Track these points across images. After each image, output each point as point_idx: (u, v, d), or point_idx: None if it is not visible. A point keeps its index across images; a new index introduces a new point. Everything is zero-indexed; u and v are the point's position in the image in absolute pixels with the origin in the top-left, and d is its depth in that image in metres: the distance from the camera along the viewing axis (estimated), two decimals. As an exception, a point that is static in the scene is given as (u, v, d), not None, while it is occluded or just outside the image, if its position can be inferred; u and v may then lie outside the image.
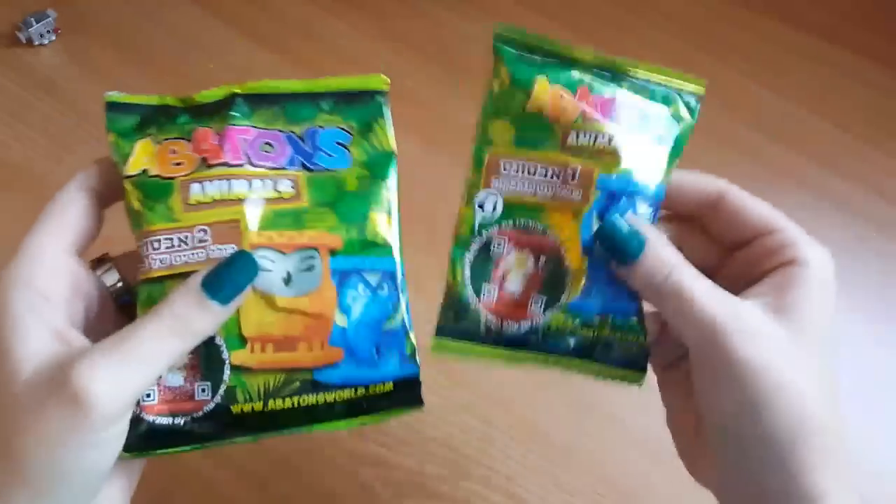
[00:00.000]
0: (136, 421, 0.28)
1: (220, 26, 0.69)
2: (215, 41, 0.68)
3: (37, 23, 0.65)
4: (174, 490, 0.44)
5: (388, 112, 0.32)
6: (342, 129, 0.31)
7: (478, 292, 0.31)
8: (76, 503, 0.26)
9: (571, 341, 0.32)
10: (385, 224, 0.30)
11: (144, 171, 0.29)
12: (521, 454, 0.48)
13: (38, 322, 0.26)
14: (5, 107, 0.62)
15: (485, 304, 0.31)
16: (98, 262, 0.31)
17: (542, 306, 0.31)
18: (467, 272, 0.31)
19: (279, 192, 0.30)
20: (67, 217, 0.28)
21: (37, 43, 0.65)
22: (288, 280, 0.29)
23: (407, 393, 0.30)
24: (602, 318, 0.31)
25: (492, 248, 0.31)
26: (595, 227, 0.31)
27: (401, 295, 0.30)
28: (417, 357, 0.31)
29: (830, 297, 0.30)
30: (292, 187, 0.30)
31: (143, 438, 0.28)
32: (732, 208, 0.31)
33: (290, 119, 0.31)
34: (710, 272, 0.31)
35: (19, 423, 0.24)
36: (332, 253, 0.29)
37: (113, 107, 0.30)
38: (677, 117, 0.32)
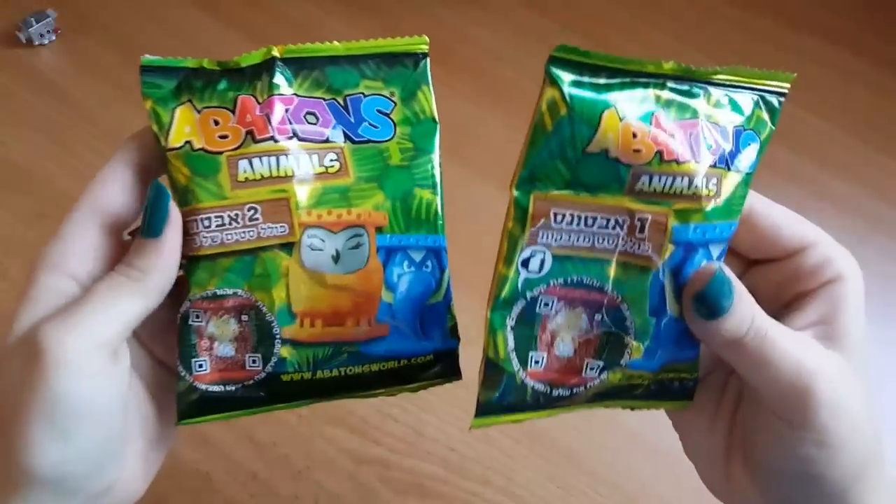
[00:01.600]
0: (189, 390, 0.29)
1: (220, 27, 0.69)
2: (215, 42, 0.68)
3: (37, 23, 0.65)
4: (173, 490, 0.44)
5: (429, 77, 0.30)
6: (384, 96, 0.30)
7: (524, 363, 0.27)
8: (91, 460, 0.26)
9: (622, 390, 0.28)
10: (429, 200, 0.30)
11: (188, 143, 0.28)
12: (521, 454, 0.47)
13: (53, 306, 0.26)
14: (5, 107, 0.62)
15: (532, 375, 0.27)
16: (135, 234, 0.31)
17: (599, 371, 0.27)
18: (511, 342, 0.27)
19: (325, 166, 0.29)
20: (106, 195, 0.28)
21: (37, 43, 0.66)
22: (337, 258, 0.29)
23: (446, 365, 0.31)
24: (664, 368, 0.28)
25: (537, 307, 0.27)
26: (667, 282, 0.27)
27: (444, 270, 0.30)
28: (458, 330, 0.31)
29: (863, 308, 0.29)
30: (337, 160, 0.29)
31: (196, 405, 0.29)
32: (765, 224, 0.29)
33: (333, 86, 0.30)
34: None
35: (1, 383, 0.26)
36: (379, 230, 0.29)
37: (148, 70, 0.29)
38: (759, 128, 0.28)
